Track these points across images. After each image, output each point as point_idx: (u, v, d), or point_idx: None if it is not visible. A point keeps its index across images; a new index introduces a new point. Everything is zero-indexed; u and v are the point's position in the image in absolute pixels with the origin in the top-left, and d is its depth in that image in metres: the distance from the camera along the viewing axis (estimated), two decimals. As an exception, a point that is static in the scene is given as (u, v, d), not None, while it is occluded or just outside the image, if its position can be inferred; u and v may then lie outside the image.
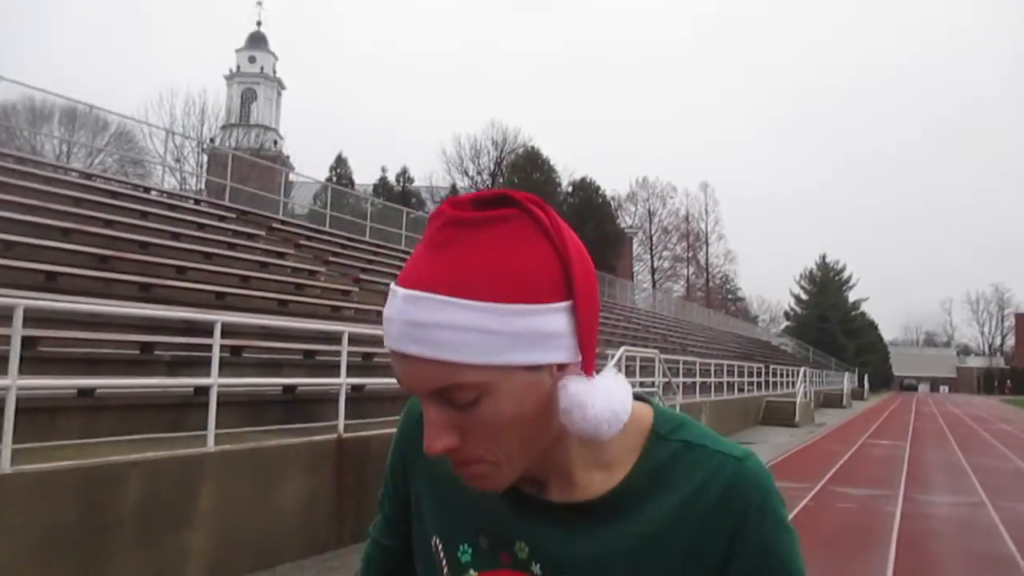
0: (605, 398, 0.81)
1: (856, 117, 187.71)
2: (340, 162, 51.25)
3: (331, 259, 16.26)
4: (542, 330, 0.79)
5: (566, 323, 0.80)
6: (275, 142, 61.67)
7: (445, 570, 0.96)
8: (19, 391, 4.94)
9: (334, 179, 45.12)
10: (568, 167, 64.85)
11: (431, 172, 59.79)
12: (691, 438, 0.90)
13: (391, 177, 51.78)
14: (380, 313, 13.92)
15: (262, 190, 21.38)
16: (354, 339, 8.58)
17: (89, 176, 14.95)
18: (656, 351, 15.13)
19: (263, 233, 15.93)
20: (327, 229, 19.70)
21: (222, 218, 15.69)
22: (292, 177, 32.07)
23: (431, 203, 49.75)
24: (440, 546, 0.97)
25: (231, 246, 13.75)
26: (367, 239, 20.83)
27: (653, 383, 14.38)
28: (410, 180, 52.42)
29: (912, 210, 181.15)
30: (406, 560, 1.05)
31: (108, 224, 11.67)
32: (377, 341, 11.07)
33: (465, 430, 0.81)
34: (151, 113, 39.70)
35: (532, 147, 50.83)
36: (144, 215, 13.15)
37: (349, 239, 19.39)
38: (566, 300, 0.80)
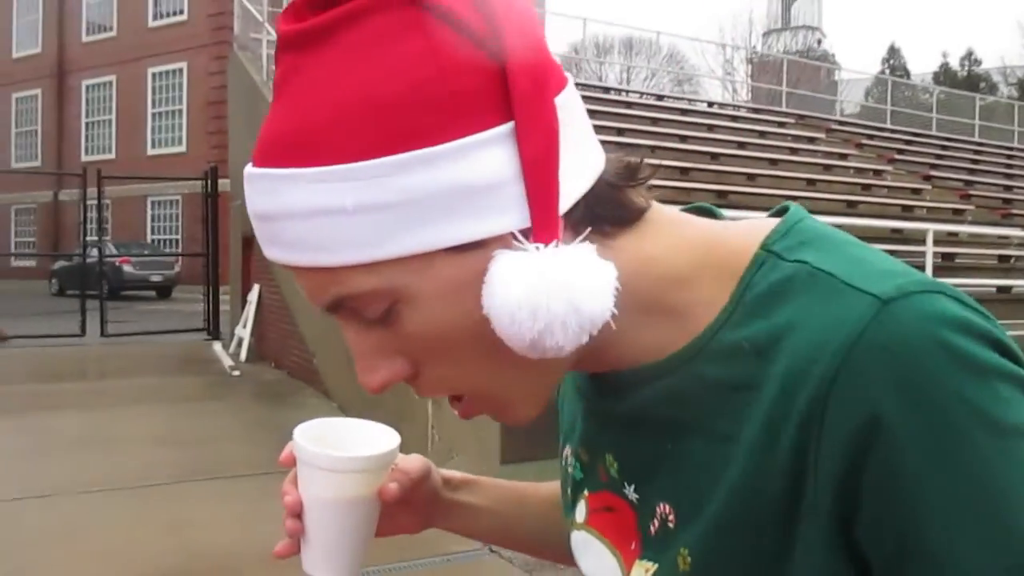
0: (545, 279, 0.50)
1: None
2: (892, 52, 47.43)
3: (897, 157, 15.39)
4: (457, 183, 0.50)
5: (506, 160, 0.51)
6: (819, 41, 59.42)
7: (569, 492, 0.73)
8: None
9: (886, 72, 41.98)
10: None
11: (1003, 51, 51.97)
12: (815, 260, 0.53)
13: (953, 62, 46.32)
14: (955, 211, 12.79)
15: (811, 91, 21.02)
16: (936, 239, 8.16)
17: (660, 97, 16.34)
18: None
19: (822, 136, 15.72)
20: (889, 126, 18.61)
21: (780, 124, 15.89)
22: (837, 76, 30.79)
23: (1004, 86, 43.33)
24: (569, 456, 0.73)
25: (792, 151, 13.88)
26: (934, 132, 19.17)
27: None
28: (977, 63, 46.24)
29: None
30: None
31: (682, 139, 12.69)
32: (959, 242, 10.33)
33: (409, 353, 0.56)
34: (701, 31, 41.26)
35: None
36: (711, 128, 13.96)
37: (915, 135, 18.08)
38: (499, 121, 0.51)
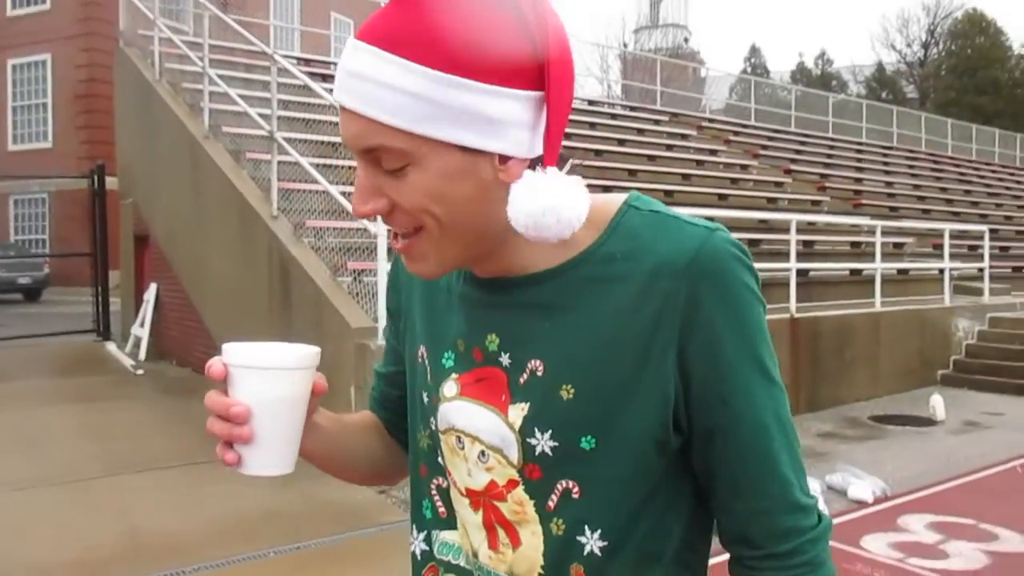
0: (555, 195, 0.76)
1: None
2: (754, 51, 50.09)
3: (760, 152, 16.57)
4: (483, 113, 0.75)
5: (522, 113, 0.76)
6: (686, 40, 61.77)
7: (429, 376, 0.94)
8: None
9: (748, 70, 44.32)
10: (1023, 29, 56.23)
11: (852, 52, 55.52)
12: (663, 210, 0.85)
13: (808, 62, 49.36)
14: (814, 203, 13.78)
15: (679, 89, 22.16)
16: (798, 228, 9.01)
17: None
18: None
19: (694, 132, 16.73)
20: (753, 123, 19.90)
21: (656, 122, 16.81)
22: (703, 72, 32.36)
23: (854, 84, 46.52)
24: (426, 354, 0.96)
25: (668, 147, 14.78)
26: (792, 129, 20.62)
27: None
28: (829, 63, 49.45)
29: None
30: (398, 384, 1.06)
31: (567, 136, 13.20)
32: (817, 230, 11.33)
33: (395, 199, 0.79)
34: (577, 30, 42.21)
35: (974, 9, 44.64)
36: (592, 125, 14.65)
37: (776, 131, 19.41)
38: (531, 89, 0.76)
